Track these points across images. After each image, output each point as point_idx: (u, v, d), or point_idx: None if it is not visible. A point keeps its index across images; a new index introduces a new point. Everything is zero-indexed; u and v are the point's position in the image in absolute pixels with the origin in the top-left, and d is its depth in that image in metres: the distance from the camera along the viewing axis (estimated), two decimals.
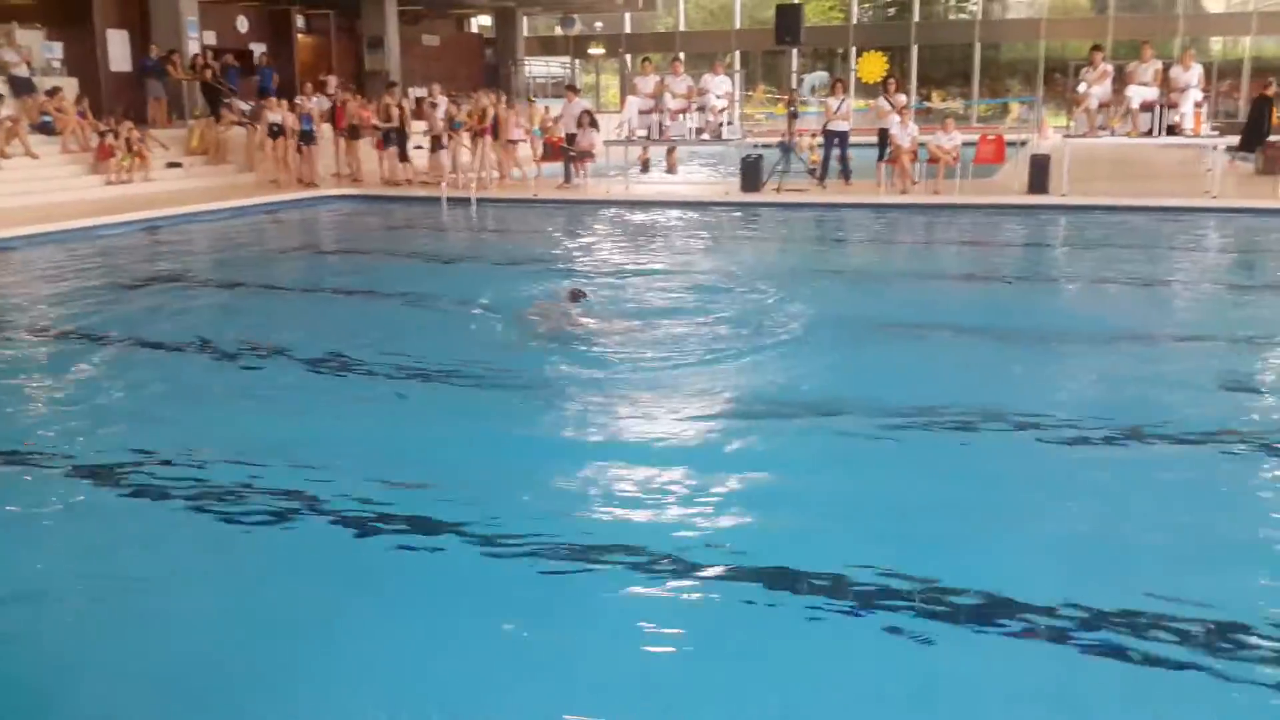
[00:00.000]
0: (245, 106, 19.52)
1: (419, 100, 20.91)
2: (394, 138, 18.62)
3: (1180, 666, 3.44)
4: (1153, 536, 4.45)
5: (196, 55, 21.00)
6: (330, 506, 4.76)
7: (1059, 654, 3.54)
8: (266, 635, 3.75)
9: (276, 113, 18.18)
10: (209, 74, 20.17)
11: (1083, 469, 5.26)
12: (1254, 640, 3.56)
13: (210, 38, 23.26)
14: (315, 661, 3.57)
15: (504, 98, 19.51)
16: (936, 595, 3.87)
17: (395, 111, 18.58)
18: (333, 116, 18.95)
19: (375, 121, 18.56)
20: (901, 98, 17.89)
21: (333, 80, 20.54)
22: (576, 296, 7.57)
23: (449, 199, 16.61)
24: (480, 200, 16.70)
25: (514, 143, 19.10)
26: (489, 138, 18.49)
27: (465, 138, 18.62)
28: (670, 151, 20.04)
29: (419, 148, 19.43)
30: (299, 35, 27.02)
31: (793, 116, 19.15)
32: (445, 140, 18.79)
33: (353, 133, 18.73)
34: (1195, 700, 3.32)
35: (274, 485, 5.00)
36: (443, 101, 19.05)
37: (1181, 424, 5.75)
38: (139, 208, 15.02)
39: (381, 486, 4.95)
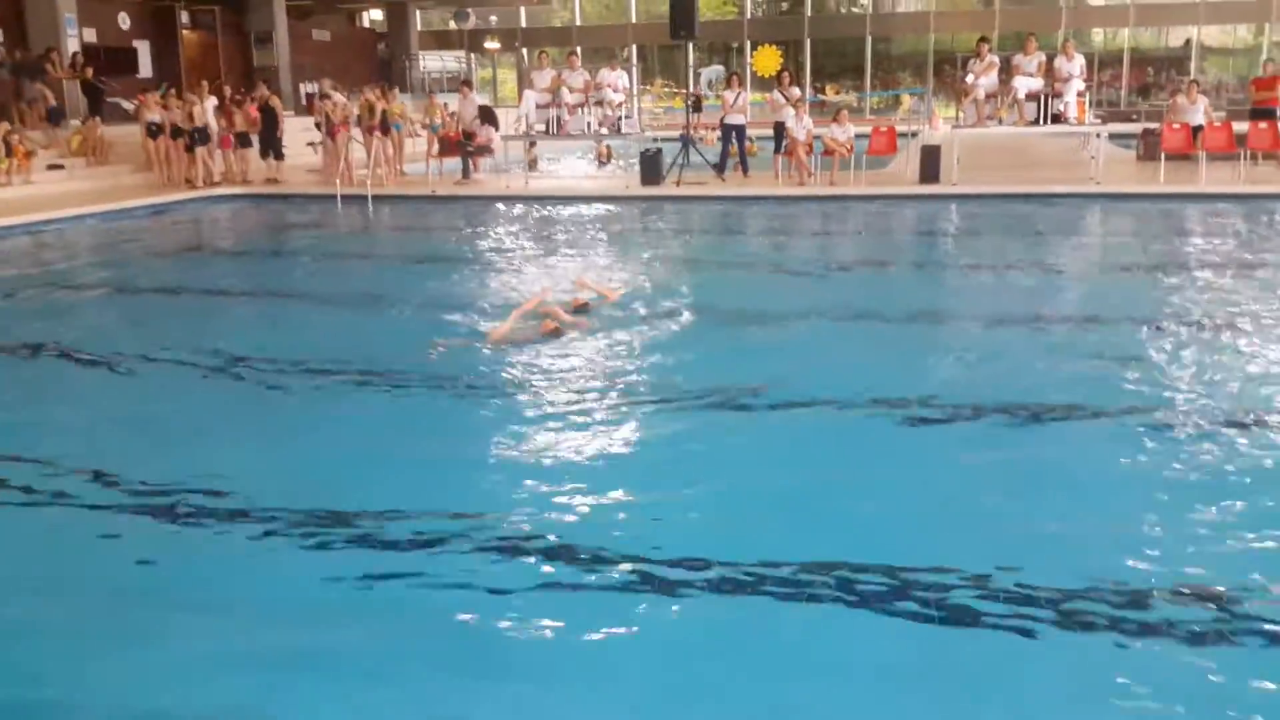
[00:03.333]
0: (129, 106, 18.93)
1: (309, 96, 20.49)
2: (265, 137, 18.23)
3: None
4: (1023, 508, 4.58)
5: (75, 53, 20.30)
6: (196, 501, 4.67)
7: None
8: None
9: (155, 111, 17.65)
10: (89, 73, 19.51)
11: (965, 448, 5.40)
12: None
13: (90, 35, 22.50)
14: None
15: (385, 91, 19.23)
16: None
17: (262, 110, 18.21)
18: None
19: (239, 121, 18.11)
20: (796, 91, 18.08)
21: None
22: (582, 309, 7.64)
23: (343, 196, 16.33)
24: (375, 197, 16.45)
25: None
26: (380, 133, 18.21)
27: (358, 133, 18.30)
28: (605, 150, 20.27)
29: (310, 144, 19.06)
30: (184, 31, 26.27)
31: (695, 110, 19.24)
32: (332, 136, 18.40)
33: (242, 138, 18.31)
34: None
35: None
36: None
37: (1054, 400, 5.94)
38: (18, 212, 14.46)
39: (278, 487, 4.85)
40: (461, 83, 20.70)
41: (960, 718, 3.21)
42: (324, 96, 18.73)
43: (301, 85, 24.89)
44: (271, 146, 18.34)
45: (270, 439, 5.77)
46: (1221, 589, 3.82)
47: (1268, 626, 3.60)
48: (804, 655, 3.54)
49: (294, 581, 4.09)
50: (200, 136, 17.66)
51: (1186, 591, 3.81)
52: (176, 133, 17.69)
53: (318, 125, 18.35)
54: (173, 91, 18.71)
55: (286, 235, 14.58)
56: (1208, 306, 8.36)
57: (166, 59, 24.99)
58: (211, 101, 18.18)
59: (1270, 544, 4.19)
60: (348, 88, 20.71)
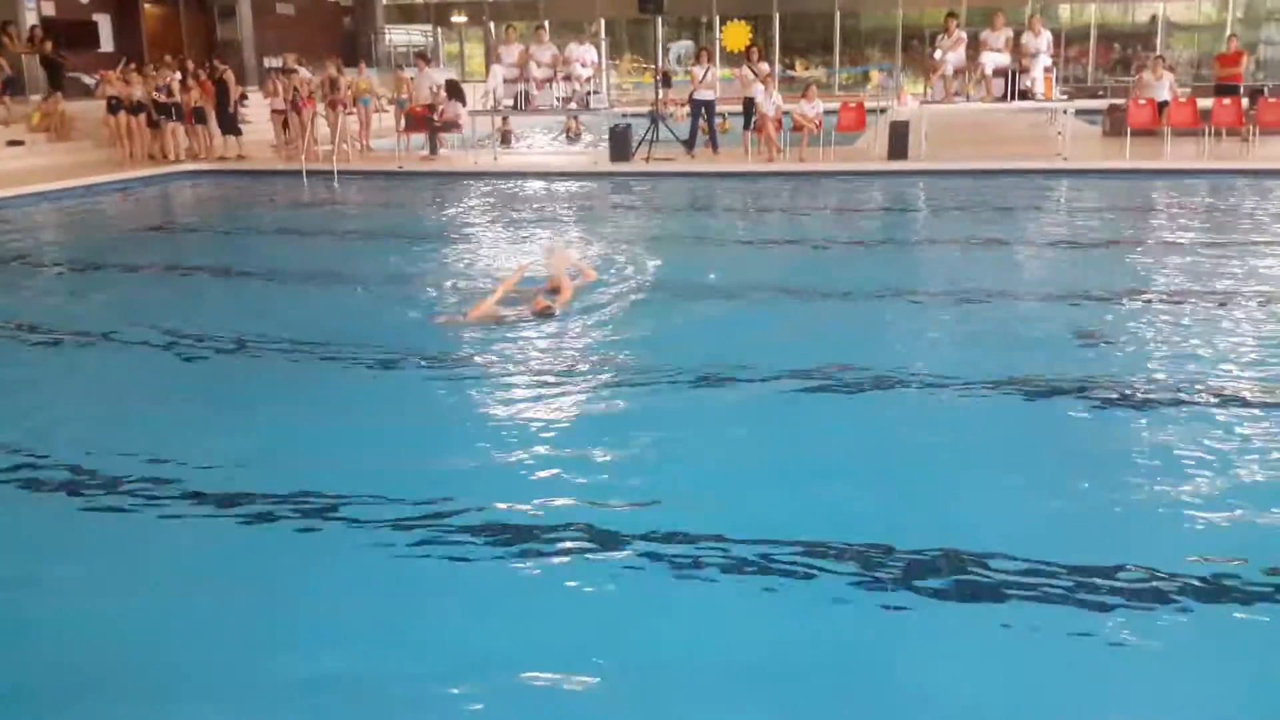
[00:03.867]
0: (90, 81, 18.64)
1: (272, 70, 20.26)
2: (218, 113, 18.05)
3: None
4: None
5: (34, 27, 19.95)
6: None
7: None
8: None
9: (116, 87, 17.40)
10: (48, 47, 19.18)
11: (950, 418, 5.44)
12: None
13: (50, 8, 22.11)
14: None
15: (340, 65, 19.10)
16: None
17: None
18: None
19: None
20: (765, 66, 18.02)
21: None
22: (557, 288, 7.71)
23: (308, 172, 16.17)
24: (341, 173, 16.31)
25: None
26: (344, 107, 18.05)
27: (322, 108, 18.13)
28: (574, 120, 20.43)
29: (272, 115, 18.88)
30: (146, 5, 25.86)
31: (664, 85, 19.19)
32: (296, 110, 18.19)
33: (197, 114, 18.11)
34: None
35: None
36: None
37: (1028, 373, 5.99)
38: None
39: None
40: (417, 56, 20.55)
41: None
42: (289, 71, 18.51)
43: (265, 59, 24.54)
44: (224, 122, 18.10)
45: (244, 420, 5.69)
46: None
47: None
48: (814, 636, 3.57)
49: (283, 567, 4.06)
50: (177, 112, 17.51)
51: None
52: (138, 108, 17.48)
53: (278, 105, 18.16)
54: (133, 66, 18.44)
55: (249, 212, 14.42)
56: (1176, 279, 8.49)
57: (128, 33, 24.57)
58: (176, 76, 17.96)
59: None
60: (312, 62, 20.48)
